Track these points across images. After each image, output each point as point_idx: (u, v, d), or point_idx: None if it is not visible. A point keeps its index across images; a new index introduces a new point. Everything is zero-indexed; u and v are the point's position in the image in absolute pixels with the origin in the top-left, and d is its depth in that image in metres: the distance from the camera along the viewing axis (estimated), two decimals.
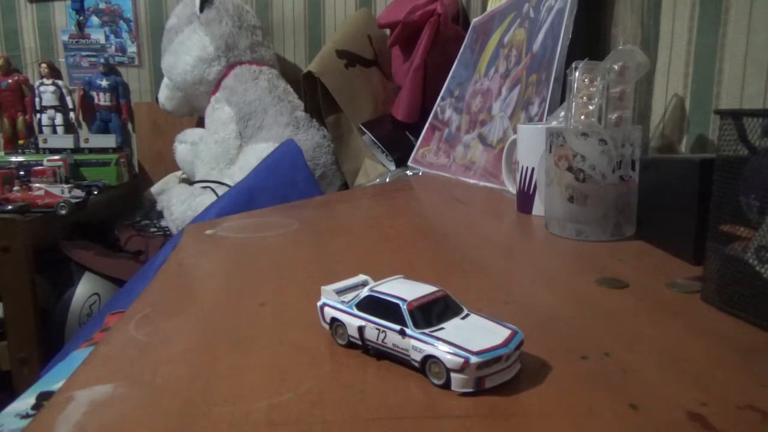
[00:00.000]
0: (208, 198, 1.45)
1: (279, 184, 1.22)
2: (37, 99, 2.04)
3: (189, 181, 1.76)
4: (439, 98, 1.34)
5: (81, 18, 2.06)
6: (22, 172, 1.60)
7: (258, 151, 1.52)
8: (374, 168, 1.50)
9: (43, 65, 2.03)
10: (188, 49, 1.73)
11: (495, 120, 1.02)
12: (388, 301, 0.33)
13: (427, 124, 1.34)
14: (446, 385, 0.30)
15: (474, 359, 0.29)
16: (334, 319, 0.35)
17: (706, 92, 0.72)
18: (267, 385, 0.31)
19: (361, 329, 0.34)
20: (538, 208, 0.71)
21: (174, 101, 1.87)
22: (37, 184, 1.48)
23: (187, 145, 1.83)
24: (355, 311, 0.34)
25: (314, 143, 1.57)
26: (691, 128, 0.75)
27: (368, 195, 0.95)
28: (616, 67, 0.60)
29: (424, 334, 0.31)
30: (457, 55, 1.34)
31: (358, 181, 1.54)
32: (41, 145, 1.83)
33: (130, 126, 2.13)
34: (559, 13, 0.90)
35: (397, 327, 0.32)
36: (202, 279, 0.51)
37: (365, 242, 0.61)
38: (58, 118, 2.05)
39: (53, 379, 0.70)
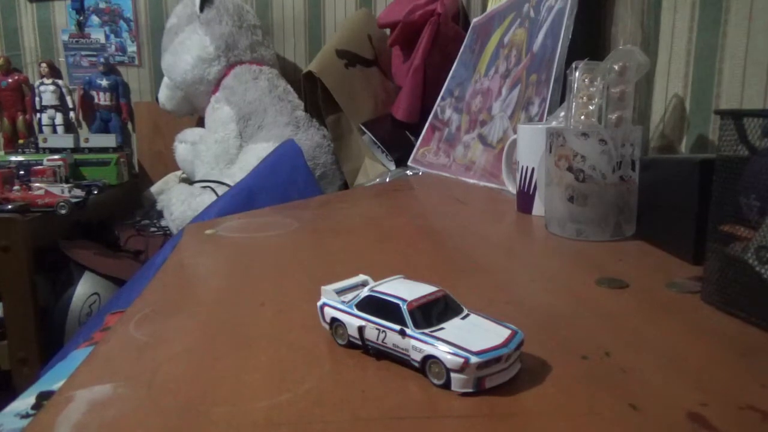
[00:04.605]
0: (208, 198, 1.45)
1: (279, 184, 1.22)
2: (37, 98, 2.04)
3: (189, 181, 1.76)
4: (439, 98, 1.34)
5: (81, 17, 2.06)
6: (22, 172, 1.60)
7: (258, 151, 1.52)
8: (374, 168, 1.50)
9: (43, 65, 2.03)
10: (188, 49, 1.73)
11: (495, 120, 1.02)
12: (388, 301, 0.33)
13: (427, 124, 1.34)
14: (446, 385, 0.30)
15: (474, 359, 0.29)
16: (334, 319, 0.35)
17: (706, 92, 0.72)
18: (267, 385, 0.31)
19: (361, 329, 0.34)
20: (538, 208, 0.71)
21: (174, 101, 1.87)
22: (37, 184, 1.48)
23: (187, 144, 1.83)
24: (355, 311, 0.34)
25: (314, 143, 1.57)
26: (691, 128, 0.75)
27: (368, 195, 0.95)
28: (616, 67, 0.60)
29: (424, 334, 0.31)
30: (457, 55, 1.34)
31: (358, 181, 1.54)
32: (41, 144, 1.83)
33: (130, 126, 2.13)
34: (559, 13, 0.90)
35: (397, 327, 0.32)
36: (202, 279, 0.51)
37: (365, 242, 0.61)
38: (58, 118, 2.05)
39: (53, 379, 0.70)
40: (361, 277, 0.39)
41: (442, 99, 1.33)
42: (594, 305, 0.42)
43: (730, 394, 0.29)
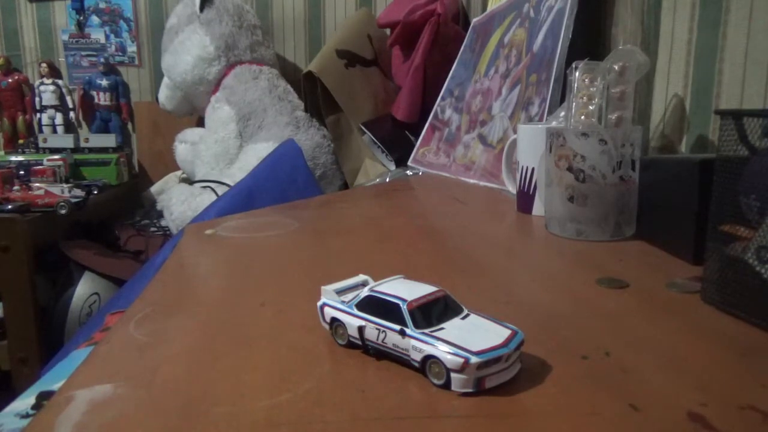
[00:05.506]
0: (208, 198, 1.45)
1: (279, 183, 1.22)
2: (37, 98, 2.04)
3: (189, 181, 1.76)
4: (439, 98, 1.34)
5: (81, 17, 2.06)
6: (22, 172, 1.60)
7: (258, 151, 1.52)
8: (374, 168, 1.50)
9: (43, 65, 2.03)
10: (188, 49, 1.73)
11: (495, 120, 1.02)
12: (388, 301, 0.33)
13: (427, 124, 1.34)
14: (446, 385, 0.30)
15: (474, 359, 0.29)
16: (334, 319, 0.35)
17: (706, 92, 0.72)
18: (267, 385, 0.31)
19: (361, 329, 0.34)
20: (538, 208, 0.71)
21: (174, 101, 1.87)
22: (37, 184, 1.48)
23: (187, 144, 1.83)
24: (355, 311, 0.34)
25: (314, 143, 1.57)
26: (691, 128, 0.75)
27: (368, 195, 0.95)
28: (616, 67, 0.60)
29: (424, 334, 0.31)
30: (457, 55, 1.34)
31: (358, 181, 1.54)
32: (41, 144, 1.83)
33: (130, 126, 2.13)
34: (559, 13, 0.90)
35: (397, 327, 0.32)
36: (202, 279, 0.51)
37: (365, 242, 0.61)
38: (58, 118, 2.05)
39: (53, 379, 0.70)
40: (361, 277, 0.39)
41: (442, 99, 1.33)
42: (594, 305, 0.42)
43: (730, 394, 0.29)
